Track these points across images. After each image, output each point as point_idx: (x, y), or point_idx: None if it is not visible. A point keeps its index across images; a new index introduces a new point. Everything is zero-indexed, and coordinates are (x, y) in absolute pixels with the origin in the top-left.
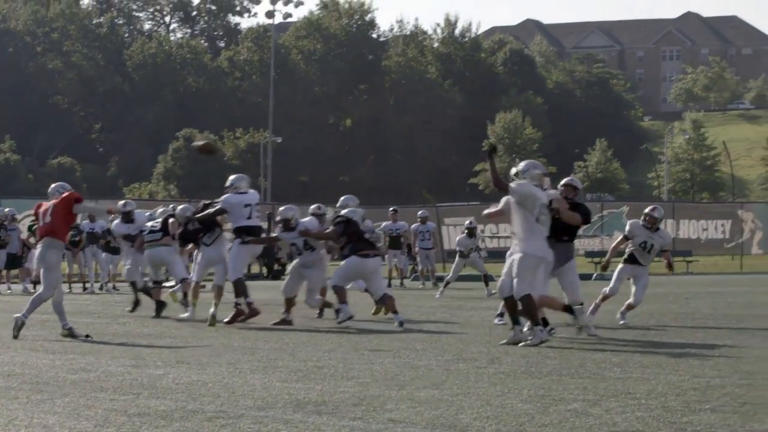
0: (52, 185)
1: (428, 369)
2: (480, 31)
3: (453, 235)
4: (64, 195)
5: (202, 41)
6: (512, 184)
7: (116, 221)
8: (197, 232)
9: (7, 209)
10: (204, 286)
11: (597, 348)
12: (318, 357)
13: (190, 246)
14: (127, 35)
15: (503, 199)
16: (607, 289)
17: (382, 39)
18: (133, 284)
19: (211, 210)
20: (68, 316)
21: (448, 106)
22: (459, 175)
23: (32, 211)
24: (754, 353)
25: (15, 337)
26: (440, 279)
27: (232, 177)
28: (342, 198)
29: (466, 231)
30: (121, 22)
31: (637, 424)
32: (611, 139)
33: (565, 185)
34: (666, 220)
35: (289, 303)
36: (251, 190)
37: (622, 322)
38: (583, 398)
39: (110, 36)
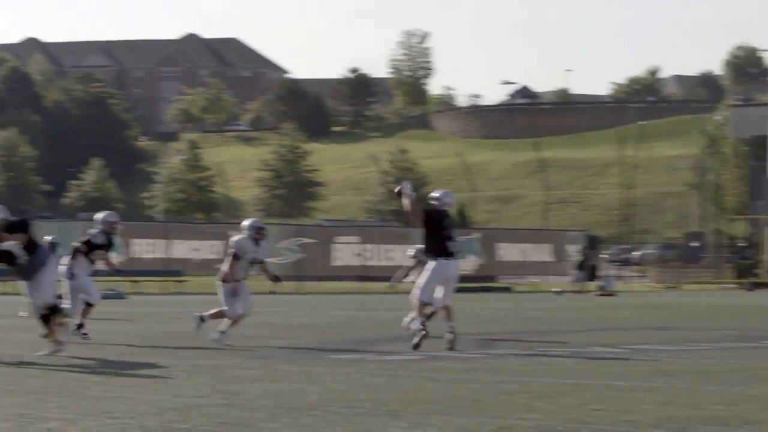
0: None
1: None
2: None
3: None
4: None
5: None
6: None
7: None
8: None
9: None
10: None
11: (80, 367)
12: None
13: None
14: None
15: None
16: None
17: None
18: None
19: None
20: None
21: None
22: None
23: None
24: (236, 373)
25: None
26: None
27: None
28: None
29: None
30: None
31: None
32: (108, 159)
33: None
34: (159, 240)
35: None
36: None
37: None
38: (61, 417)
39: None
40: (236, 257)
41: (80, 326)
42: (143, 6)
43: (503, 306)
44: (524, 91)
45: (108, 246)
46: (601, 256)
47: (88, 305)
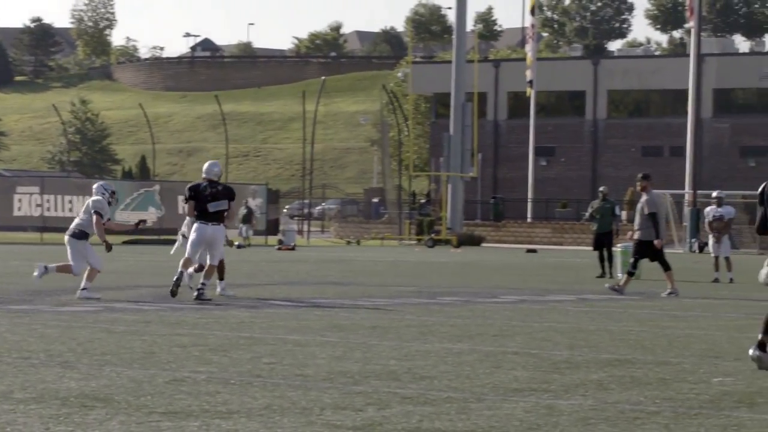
0: None
1: None
2: None
3: None
4: None
5: None
6: None
7: None
8: None
9: None
10: None
11: None
12: None
13: None
14: None
15: None
16: None
17: None
18: None
19: None
20: None
21: None
22: None
23: None
24: None
25: None
26: None
27: None
28: None
29: None
30: None
31: None
32: None
33: None
34: None
35: None
36: None
37: None
38: None
39: None
40: (99, 215)
41: None
42: None
43: None
44: (206, 44)
45: None
46: (282, 210)
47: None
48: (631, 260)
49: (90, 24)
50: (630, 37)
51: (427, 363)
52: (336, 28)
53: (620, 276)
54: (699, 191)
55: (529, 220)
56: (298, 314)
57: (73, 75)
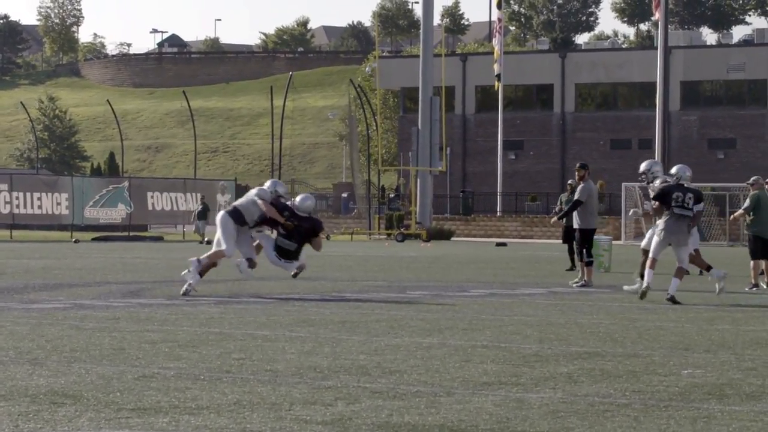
0: None
1: None
2: None
3: None
4: None
5: None
6: None
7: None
8: None
9: None
10: None
11: None
12: None
13: None
14: None
15: None
16: None
17: None
18: None
19: None
20: None
21: None
22: None
23: None
24: None
25: None
26: None
27: None
28: None
29: None
30: None
31: None
32: None
33: None
34: None
35: None
36: None
37: None
38: None
39: None
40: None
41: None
42: None
43: (153, 255)
44: (174, 40)
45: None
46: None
47: None
48: (583, 251)
49: (57, 21)
50: (597, 30)
51: (397, 357)
52: (303, 24)
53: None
54: None
55: (498, 213)
56: (268, 310)
57: (40, 72)
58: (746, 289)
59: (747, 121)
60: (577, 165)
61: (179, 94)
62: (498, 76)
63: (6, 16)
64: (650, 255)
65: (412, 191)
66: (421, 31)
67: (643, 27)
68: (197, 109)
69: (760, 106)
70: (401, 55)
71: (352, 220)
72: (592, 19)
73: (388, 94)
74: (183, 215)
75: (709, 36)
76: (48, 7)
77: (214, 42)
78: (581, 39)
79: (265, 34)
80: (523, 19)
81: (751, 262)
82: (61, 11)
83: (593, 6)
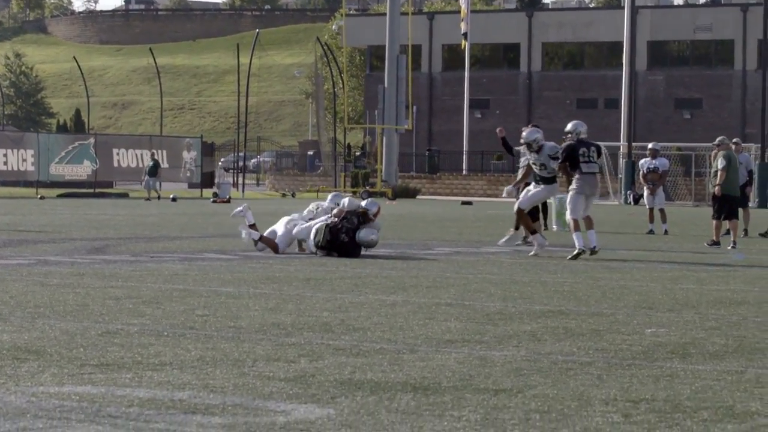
0: None
1: None
2: None
3: None
4: None
5: None
6: None
7: None
8: None
9: None
10: None
11: None
12: None
13: None
14: None
15: None
16: None
17: None
18: None
19: None
20: None
21: None
22: None
23: None
24: None
25: None
26: None
27: None
28: None
29: None
30: None
31: None
32: None
33: None
34: None
35: None
36: None
37: None
38: None
39: None
40: None
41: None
42: None
43: (118, 212)
44: None
45: None
46: (217, 163)
47: None
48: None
49: None
50: None
51: (361, 315)
52: None
53: (555, 228)
54: (634, 143)
55: (464, 172)
56: (232, 267)
57: (6, 29)
58: (705, 244)
59: (714, 82)
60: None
61: (146, 51)
62: (465, 35)
63: None
64: (571, 217)
65: (378, 149)
66: None
67: None
68: (164, 66)
69: (727, 66)
70: (368, 13)
71: (318, 177)
72: None
73: (355, 52)
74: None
75: None
76: None
77: None
78: None
79: None
80: None
81: (713, 222)
82: None
83: None
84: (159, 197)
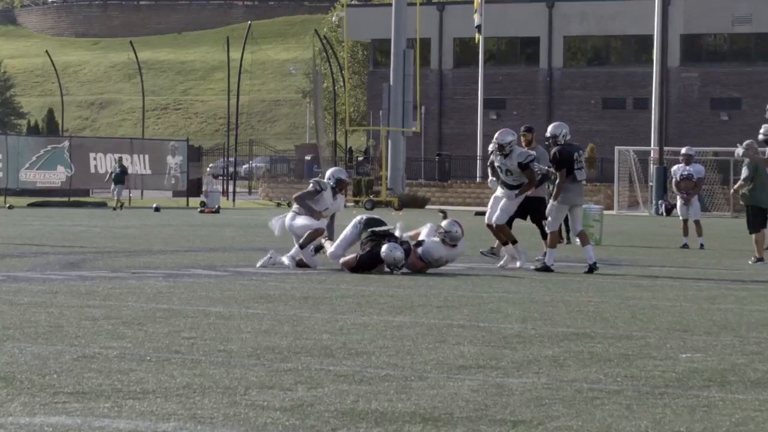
0: None
1: None
2: None
3: None
4: None
5: None
6: None
7: None
8: None
9: None
10: None
11: None
12: None
13: None
14: None
15: None
16: None
17: None
18: None
19: None
20: None
21: None
22: None
23: None
24: None
25: None
26: None
27: None
28: None
29: None
30: None
31: None
32: None
33: None
34: None
35: None
36: None
37: None
38: None
39: None
40: None
41: None
42: None
43: (95, 223)
44: None
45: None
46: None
47: None
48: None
49: None
50: None
51: (364, 337)
52: None
53: (577, 240)
54: (666, 148)
55: (478, 179)
56: (222, 284)
57: None
58: (749, 262)
59: (753, 79)
60: (522, 129)
61: (126, 44)
62: (478, 28)
63: None
64: (552, 230)
65: (383, 154)
66: None
67: None
68: (146, 61)
69: None
70: (372, 3)
71: None
72: None
73: (357, 46)
74: (130, 179)
75: None
76: None
77: None
78: None
79: None
80: None
81: (753, 236)
82: None
83: None
84: (122, 206)
